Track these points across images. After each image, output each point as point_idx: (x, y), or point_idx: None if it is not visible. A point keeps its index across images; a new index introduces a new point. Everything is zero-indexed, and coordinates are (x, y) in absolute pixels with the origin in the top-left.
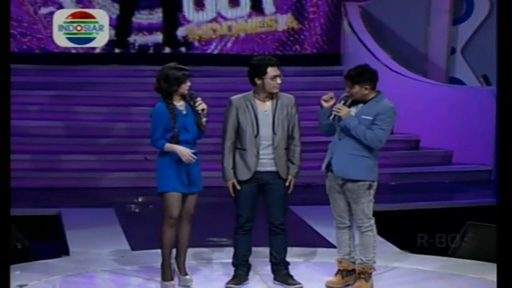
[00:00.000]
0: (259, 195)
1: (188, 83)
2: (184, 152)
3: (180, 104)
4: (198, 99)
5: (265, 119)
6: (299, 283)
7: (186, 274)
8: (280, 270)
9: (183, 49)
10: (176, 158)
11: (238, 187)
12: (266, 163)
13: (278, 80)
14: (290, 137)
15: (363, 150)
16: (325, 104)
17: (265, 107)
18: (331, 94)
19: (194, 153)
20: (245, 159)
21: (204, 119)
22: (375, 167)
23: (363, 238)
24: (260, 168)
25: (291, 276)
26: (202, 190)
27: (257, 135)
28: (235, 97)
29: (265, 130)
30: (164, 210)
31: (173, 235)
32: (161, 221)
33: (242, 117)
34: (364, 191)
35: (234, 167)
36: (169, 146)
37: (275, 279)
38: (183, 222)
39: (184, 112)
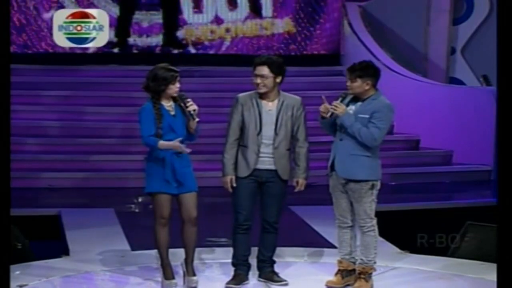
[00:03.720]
0: (258, 194)
1: (178, 85)
2: (172, 144)
3: (168, 105)
4: (189, 100)
5: (268, 118)
6: (285, 280)
7: (194, 275)
8: (266, 267)
9: (183, 50)
10: (161, 158)
11: (234, 184)
12: (266, 161)
13: (258, 80)
14: (294, 139)
15: (364, 150)
16: (326, 115)
17: (269, 107)
18: (325, 104)
19: (179, 153)
20: (246, 156)
21: (196, 120)
22: (378, 166)
23: (365, 238)
24: (260, 166)
25: (276, 274)
26: (201, 191)
27: (259, 133)
28: (241, 95)
29: (268, 129)
30: (155, 211)
31: (166, 234)
32: (153, 221)
33: (247, 114)
34: (366, 191)
35: (236, 163)
36: (162, 143)
37: (260, 276)
38: (186, 225)
39: (172, 113)
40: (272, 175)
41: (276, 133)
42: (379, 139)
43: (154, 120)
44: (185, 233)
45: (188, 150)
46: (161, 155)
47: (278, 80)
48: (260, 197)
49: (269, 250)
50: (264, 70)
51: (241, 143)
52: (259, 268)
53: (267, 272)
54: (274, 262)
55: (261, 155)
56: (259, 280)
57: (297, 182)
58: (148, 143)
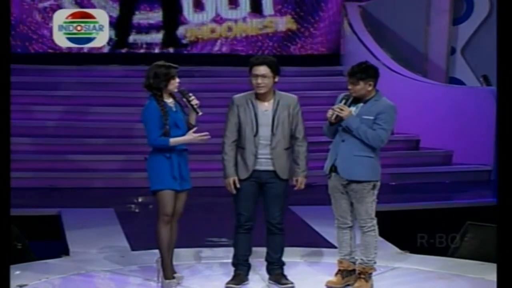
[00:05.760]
0: (259, 194)
1: (177, 80)
2: (193, 137)
3: (169, 101)
4: (190, 94)
5: (264, 118)
6: (292, 283)
7: (174, 272)
8: (275, 269)
9: (183, 49)
10: (168, 156)
11: (238, 185)
12: (264, 162)
13: (259, 80)
14: (293, 137)
15: (367, 151)
16: (331, 119)
17: (265, 107)
18: (331, 111)
19: (184, 150)
20: (244, 158)
21: (200, 113)
22: (379, 167)
23: (365, 238)
24: (258, 167)
25: (284, 276)
26: (201, 191)
27: (256, 134)
28: (237, 96)
29: (264, 130)
30: (160, 208)
31: (169, 233)
32: (156, 219)
33: (243, 116)
34: (368, 191)
35: (236, 165)
36: (174, 140)
37: (269, 278)
38: (172, 221)
39: (174, 109)
40: (272, 176)
41: (273, 133)
42: (386, 140)
43: (160, 118)
44: (171, 229)
45: (208, 137)
46: (168, 153)
47: (277, 79)
48: (262, 198)
49: (277, 251)
50: (265, 70)
51: (239, 144)
52: (268, 270)
53: (276, 274)
54: (283, 263)
55: (259, 156)
56: (269, 283)
57: (297, 181)
58: (159, 145)
